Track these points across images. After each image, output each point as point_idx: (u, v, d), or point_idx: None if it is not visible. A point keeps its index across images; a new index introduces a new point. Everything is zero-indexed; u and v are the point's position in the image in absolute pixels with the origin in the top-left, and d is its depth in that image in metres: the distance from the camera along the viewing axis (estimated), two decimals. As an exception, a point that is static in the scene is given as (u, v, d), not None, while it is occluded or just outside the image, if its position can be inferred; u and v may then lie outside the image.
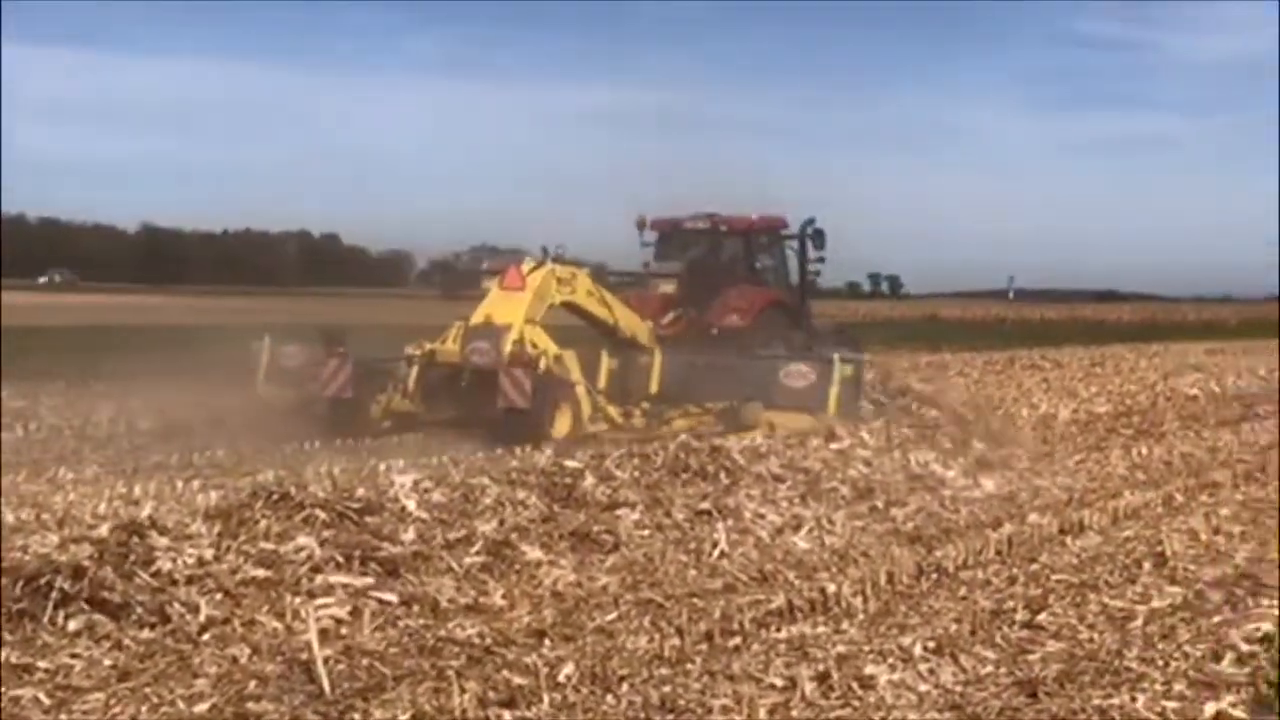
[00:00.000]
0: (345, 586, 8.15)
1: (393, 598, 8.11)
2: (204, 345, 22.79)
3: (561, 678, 6.75)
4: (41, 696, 6.37)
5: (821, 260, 20.89)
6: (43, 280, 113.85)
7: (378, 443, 16.13)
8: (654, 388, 17.78)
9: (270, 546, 8.43)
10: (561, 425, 16.40)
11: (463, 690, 6.36)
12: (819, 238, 20.61)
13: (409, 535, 9.03)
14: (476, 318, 17.04)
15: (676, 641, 7.39)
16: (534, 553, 9.27)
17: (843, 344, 19.70)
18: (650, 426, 16.89)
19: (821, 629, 7.91)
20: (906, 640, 7.60)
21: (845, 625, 8.02)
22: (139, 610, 7.48)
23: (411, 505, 9.53)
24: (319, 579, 8.18)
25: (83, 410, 18.67)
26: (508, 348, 16.36)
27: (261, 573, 8.12)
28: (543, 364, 16.51)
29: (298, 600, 7.83)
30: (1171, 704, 6.54)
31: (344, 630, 7.59)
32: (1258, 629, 7.98)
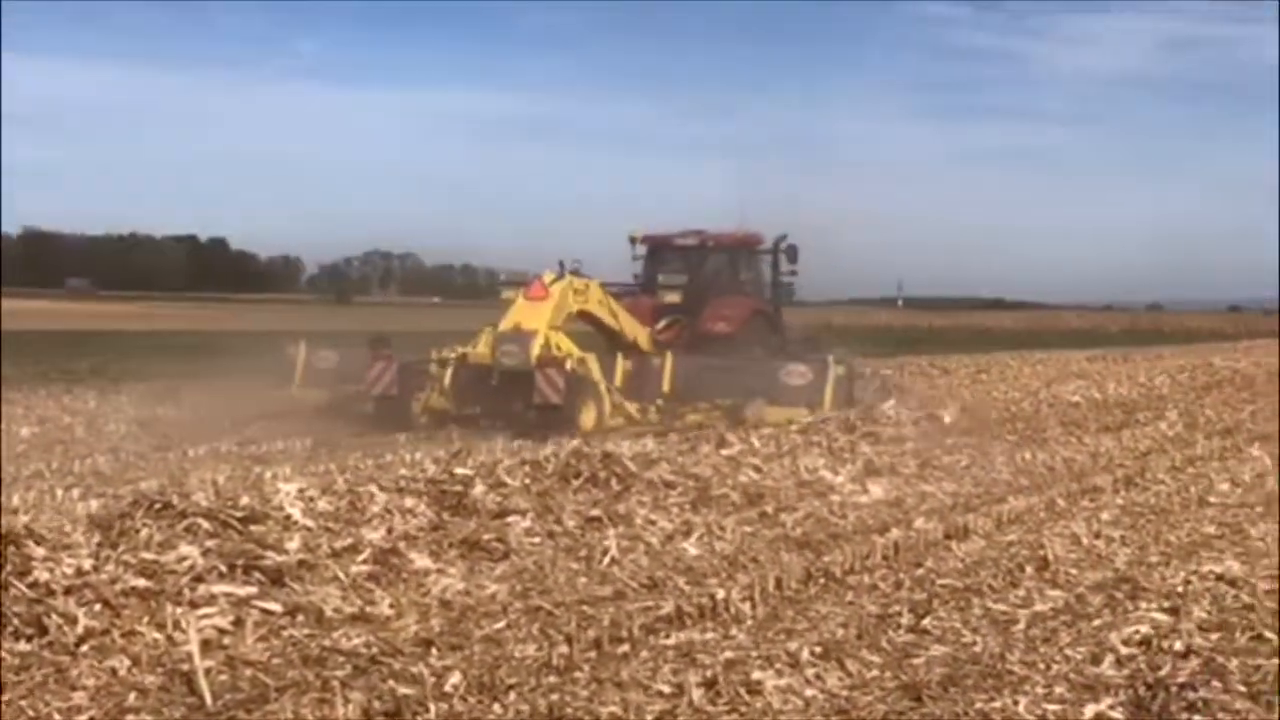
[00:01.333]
0: (228, 596, 8.01)
1: (277, 607, 7.99)
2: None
3: (448, 687, 6.69)
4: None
5: (794, 273, 23.03)
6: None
7: (262, 450, 16.00)
8: (666, 387, 19.33)
9: (151, 556, 8.26)
10: (587, 419, 18.08)
11: (347, 701, 6.29)
12: (791, 252, 22.68)
13: (294, 544, 8.90)
14: (505, 324, 18.83)
15: (565, 649, 7.36)
16: (422, 561, 9.20)
17: (812, 347, 22.05)
18: (664, 421, 18.57)
19: (710, 635, 7.93)
20: (794, 645, 7.64)
21: (734, 631, 8.05)
22: (15, 622, 7.30)
23: (297, 513, 9.40)
24: (201, 589, 8.03)
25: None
26: (535, 351, 18.25)
27: (142, 583, 7.94)
28: (568, 365, 18.32)
29: (179, 610, 7.68)
30: (1052, 707, 6.64)
31: (226, 641, 7.46)
32: (1136, 632, 8.14)
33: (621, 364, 19.42)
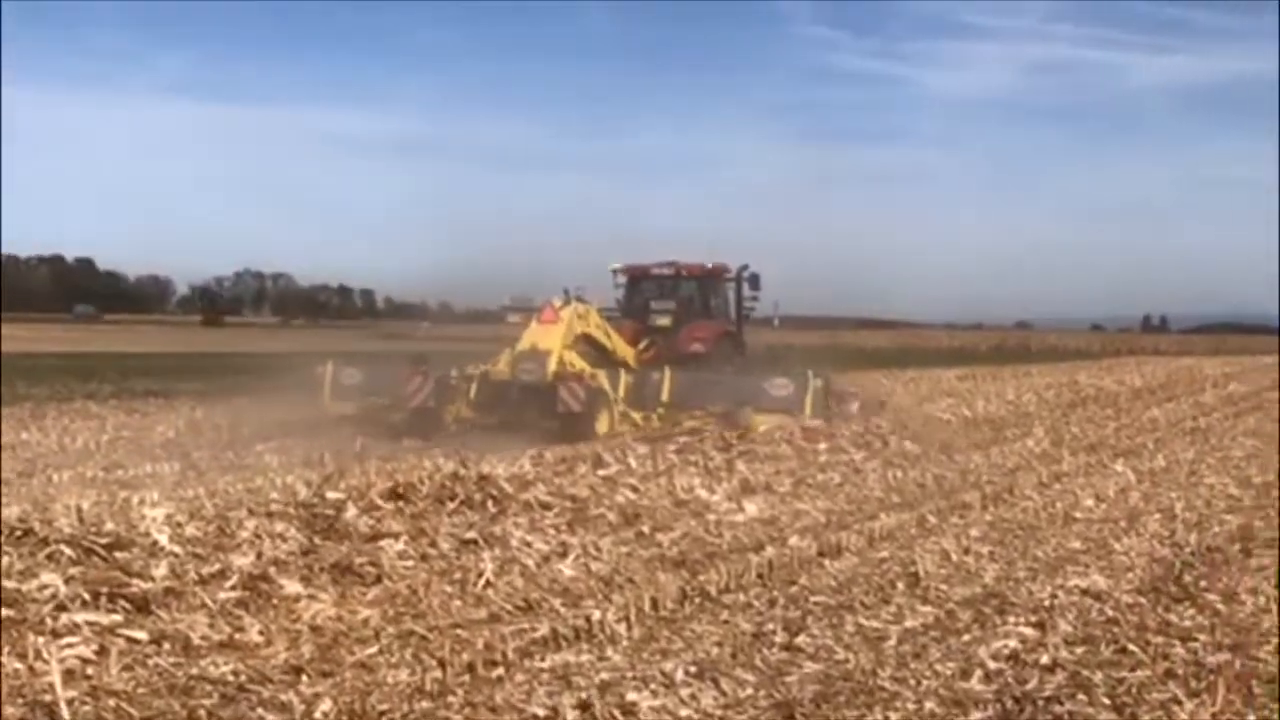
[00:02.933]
0: (92, 625, 7.80)
1: (143, 635, 7.79)
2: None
3: (319, 714, 6.61)
4: None
5: (755, 299, 25.45)
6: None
7: (129, 475, 15.73)
8: (665, 397, 21.71)
9: (12, 585, 8.01)
10: (602, 425, 20.56)
11: (213, 731, 6.15)
12: (754, 280, 25.22)
13: (161, 570, 8.69)
14: (522, 345, 21.38)
15: (438, 674, 7.30)
16: (293, 586, 9.03)
17: (772, 362, 25.42)
18: (665, 426, 20.81)
19: (586, 657, 7.91)
20: (669, 665, 7.66)
21: (609, 652, 8.04)
22: None
23: (164, 539, 9.19)
24: (64, 617, 7.80)
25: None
26: (551, 367, 20.82)
27: (3, 612, 7.71)
28: (586, 379, 20.94)
29: (41, 640, 7.45)
30: (922, 723, 6.72)
31: (90, 670, 7.25)
32: (1004, 646, 8.29)
33: (624, 378, 21.81)
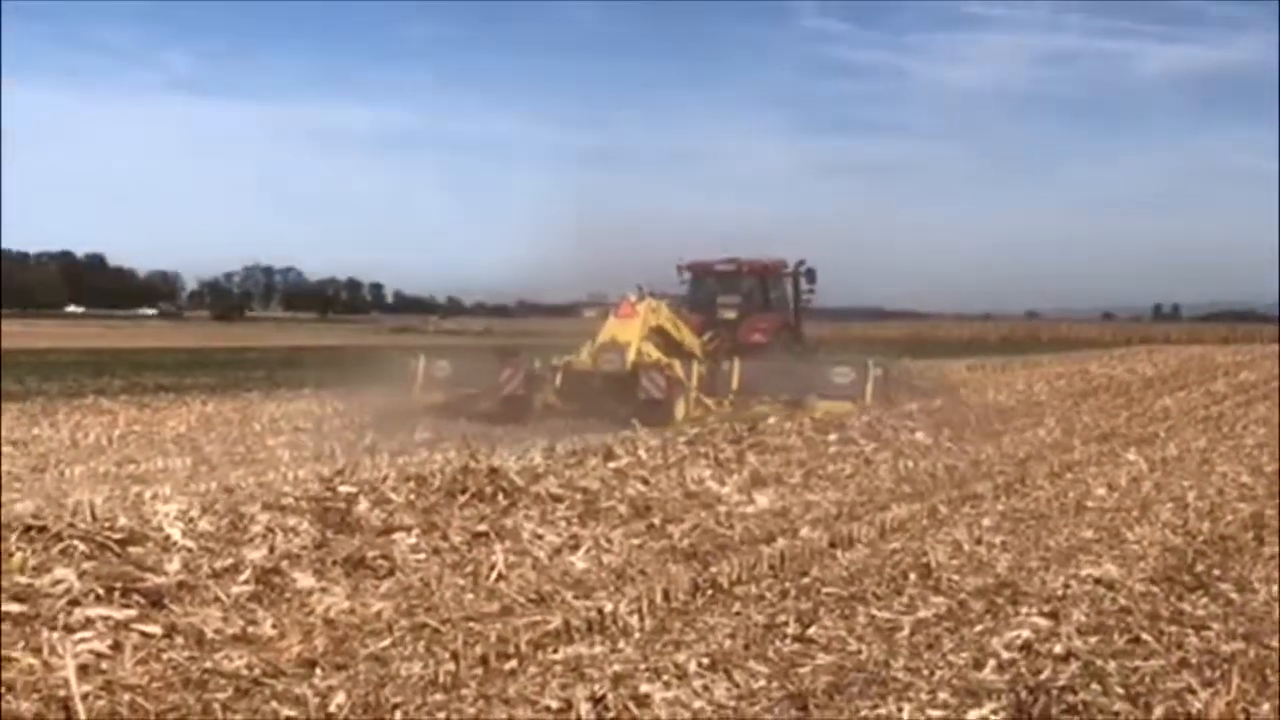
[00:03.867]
0: (106, 619, 7.81)
1: (156, 630, 7.81)
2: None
3: (333, 707, 6.61)
4: None
5: (812, 292, 27.30)
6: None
7: (141, 470, 15.83)
8: (735, 385, 23.15)
9: (25, 580, 8.04)
10: (679, 411, 22.02)
11: (228, 724, 6.17)
12: (810, 275, 26.99)
13: (174, 565, 8.71)
14: (603, 337, 23.07)
15: (451, 666, 7.31)
16: (306, 580, 9.05)
17: (828, 353, 27.50)
18: (737, 411, 21.98)
19: (598, 649, 7.91)
20: (681, 657, 7.67)
21: (622, 644, 8.04)
22: (-120, 651, 7.08)
23: (176, 534, 9.21)
24: (78, 612, 7.81)
25: None
26: (630, 358, 22.53)
27: (16, 608, 7.71)
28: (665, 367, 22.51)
29: (55, 635, 7.47)
30: (935, 713, 6.73)
31: (104, 665, 7.26)
32: (1017, 636, 8.28)
33: (696, 367, 23.36)
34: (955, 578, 10.10)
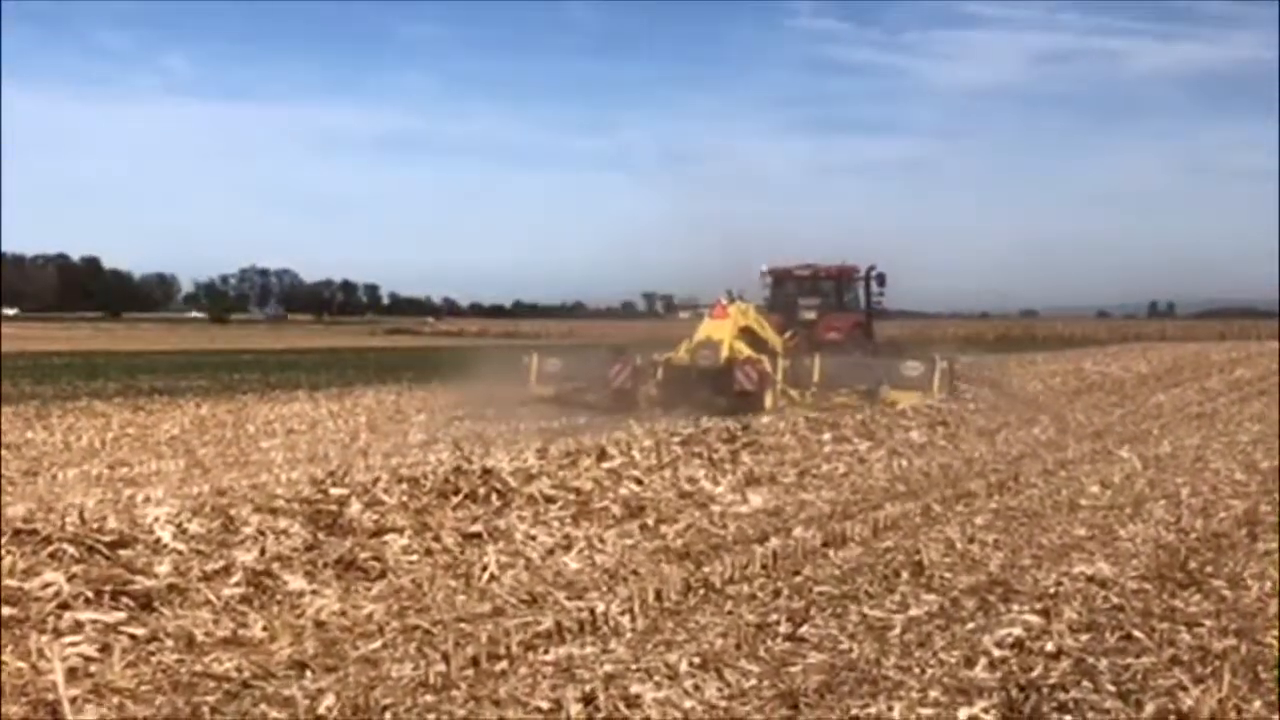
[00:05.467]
0: (95, 623, 7.81)
1: (146, 633, 7.80)
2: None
3: (322, 709, 6.59)
4: None
5: (882, 294, 29.80)
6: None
7: (134, 472, 15.83)
8: (816, 377, 25.47)
9: (15, 584, 8.02)
10: (768, 401, 24.29)
11: (217, 727, 6.15)
12: (881, 279, 29.36)
13: (164, 568, 8.69)
14: (698, 336, 25.56)
15: (442, 667, 7.28)
16: (297, 582, 9.03)
17: (896, 349, 29.63)
18: (818, 401, 24.37)
19: (590, 649, 7.89)
20: (673, 657, 7.65)
21: (613, 644, 8.01)
22: None
23: (167, 537, 9.19)
24: (67, 616, 7.81)
25: None
26: (724, 354, 24.97)
27: (6, 611, 7.71)
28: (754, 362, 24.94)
29: (44, 639, 7.47)
30: (926, 711, 6.70)
31: (94, 668, 7.26)
32: (1009, 634, 8.26)
33: (782, 362, 25.78)
34: (948, 576, 10.09)
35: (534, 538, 10.95)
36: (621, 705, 6.72)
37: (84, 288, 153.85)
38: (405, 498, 11.28)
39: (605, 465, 13.82)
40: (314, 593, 8.91)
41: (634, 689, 6.97)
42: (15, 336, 78.68)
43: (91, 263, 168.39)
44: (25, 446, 18.95)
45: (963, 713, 6.65)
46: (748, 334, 26.21)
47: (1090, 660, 7.71)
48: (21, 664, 7.18)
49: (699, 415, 20.27)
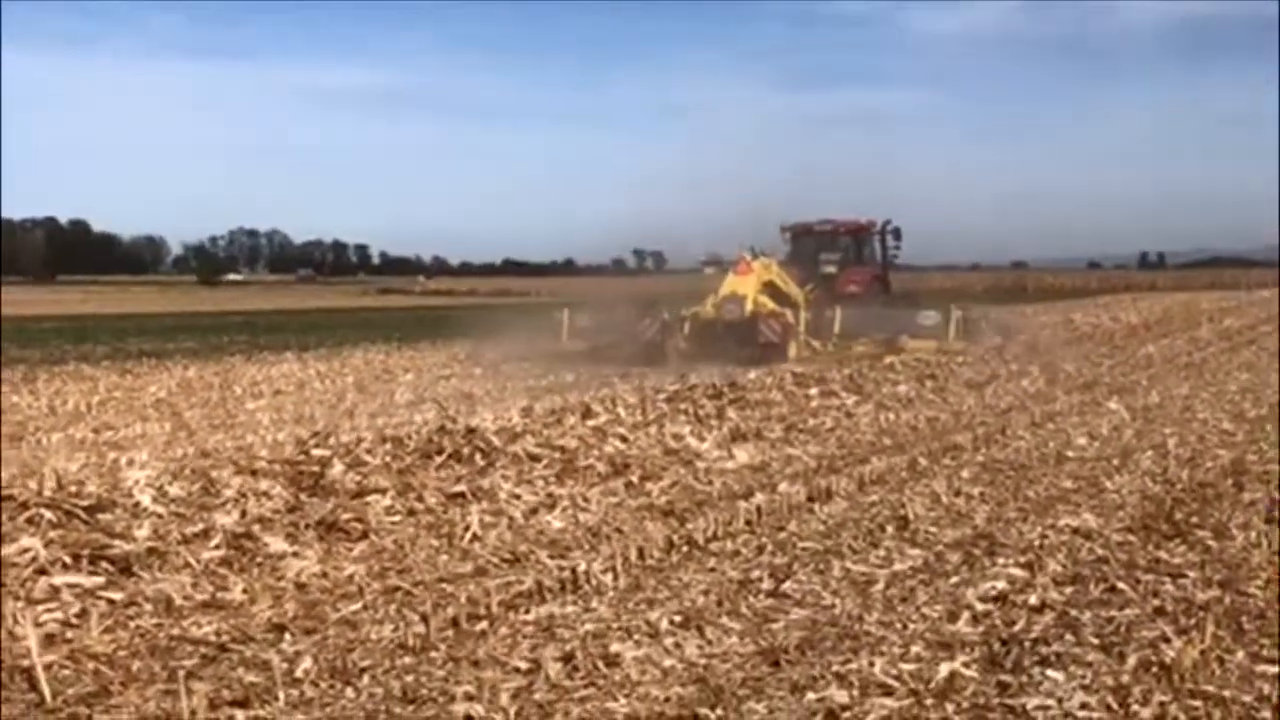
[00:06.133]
0: (73, 588, 7.75)
1: (124, 597, 7.75)
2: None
3: (299, 672, 6.54)
4: None
5: (898, 248, 31.37)
6: None
7: (118, 436, 15.80)
8: (837, 329, 26.82)
9: (-10, 551, 7.97)
10: (791, 352, 25.54)
11: (190, 692, 6.10)
12: (896, 233, 30.94)
13: (143, 531, 8.63)
14: (724, 291, 26.70)
15: (421, 629, 7.24)
16: (278, 544, 8.97)
17: (912, 301, 30.57)
18: (839, 351, 25.76)
19: (571, 608, 7.84)
20: (654, 615, 7.61)
21: (595, 603, 7.97)
22: None
23: (146, 500, 9.12)
24: (44, 581, 7.76)
25: None
26: (749, 307, 26.29)
27: (-20, 578, 7.67)
28: (776, 314, 26.28)
29: (19, 605, 7.42)
30: (908, 666, 6.66)
31: (70, 634, 7.20)
32: (993, 588, 8.23)
33: (803, 315, 26.94)
34: (933, 530, 10.05)
35: (518, 497, 10.88)
36: (601, 664, 6.68)
37: (72, 251, 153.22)
38: (388, 458, 11.24)
39: (590, 423, 13.78)
40: (295, 555, 8.85)
41: (614, 648, 6.93)
42: (3, 301, 78.42)
43: (80, 225, 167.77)
44: (10, 412, 18.87)
45: (944, 667, 6.60)
46: (770, 288, 27.39)
47: (1073, 613, 7.68)
48: (-3, 631, 7.13)
49: (725, 366, 21.54)
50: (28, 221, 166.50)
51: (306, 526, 9.39)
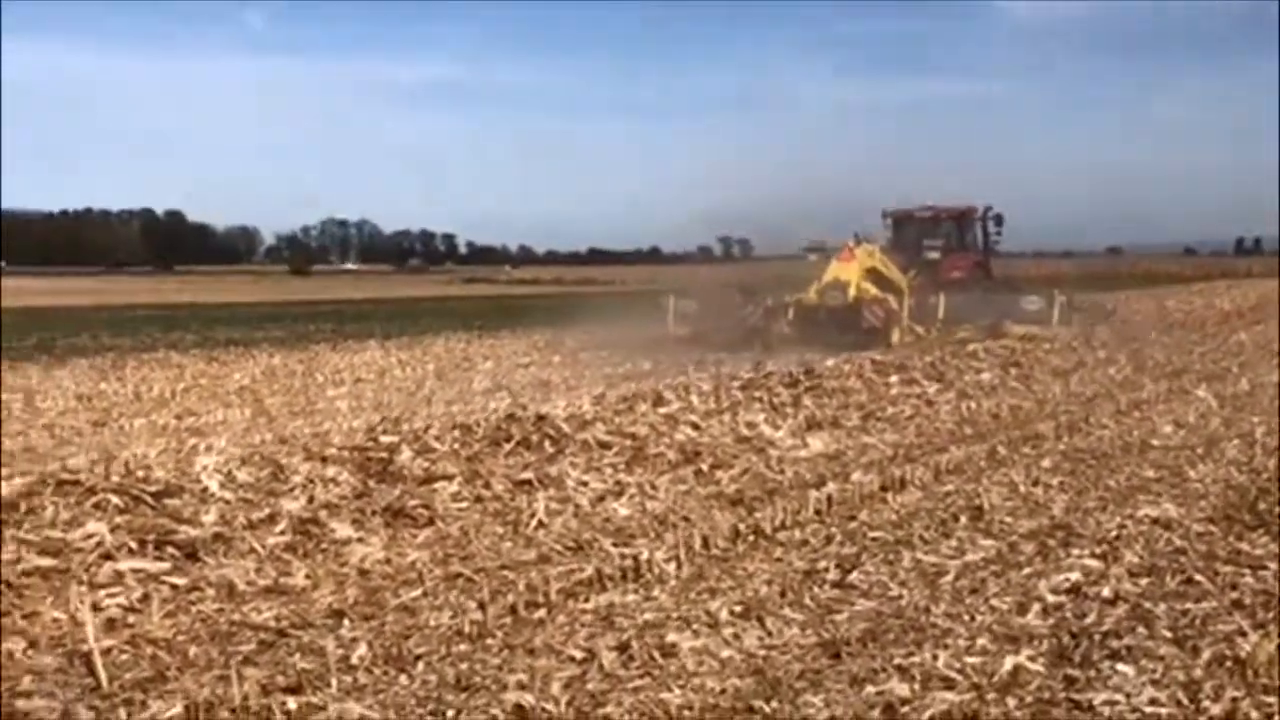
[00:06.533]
0: (137, 573, 7.80)
1: (187, 583, 7.78)
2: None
3: (354, 659, 6.52)
4: None
5: (999, 234, 31.23)
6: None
7: (200, 422, 15.96)
8: (941, 314, 26.86)
9: (57, 534, 8.04)
10: (894, 337, 25.53)
11: (243, 678, 6.08)
12: (998, 219, 30.92)
13: (210, 517, 8.67)
14: (827, 278, 26.73)
15: (479, 616, 7.19)
16: (343, 530, 8.97)
17: (1013, 286, 30.47)
18: (943, 337, 25.49)
19: (631, 597, 7.76)
20: (714, 605, 7.50)
21: (656, 592, 7.87)
22: (-91, 607, 7.09)
23: (214, 486, 9.17)
24: (108, 566, 7.81)
25: None
26: (852, 293, 26.27)
27: (46, 562, 7.73)
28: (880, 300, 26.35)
29: (83, 590, 7.47)
30: (972, 659, 6.50)
31: (132, 619, 7.24)
32: (1065, 580, 8.03)
33: (906, 300, 26.84)
34: (1008, 520, 9.84)
35: (585, 484, 10.82)
36: (657, 654, 6.59)
37: (168, 242, 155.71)
38: (457, 445, 11.21)
39: (662, 410, 13.68)
40: (359, 541, 8.85)
41: (671, 638, 6.84)
42: (99, 290, 79.90)
43: (175, 217, 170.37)
44: (97, 398, 19.15)
45: (1009, 660, 6.44)
46: (873, 274, 27.35)
47: (1147, 605, 7.47)
48: (60, 615, 7.18)
49: (828, 352, 21.16)
50: (125, 213, 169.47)
51: (373, 513, 9.38)
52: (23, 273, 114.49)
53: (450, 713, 5.81)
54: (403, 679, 6.32)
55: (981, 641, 6.85)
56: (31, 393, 19.75)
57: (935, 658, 6.55)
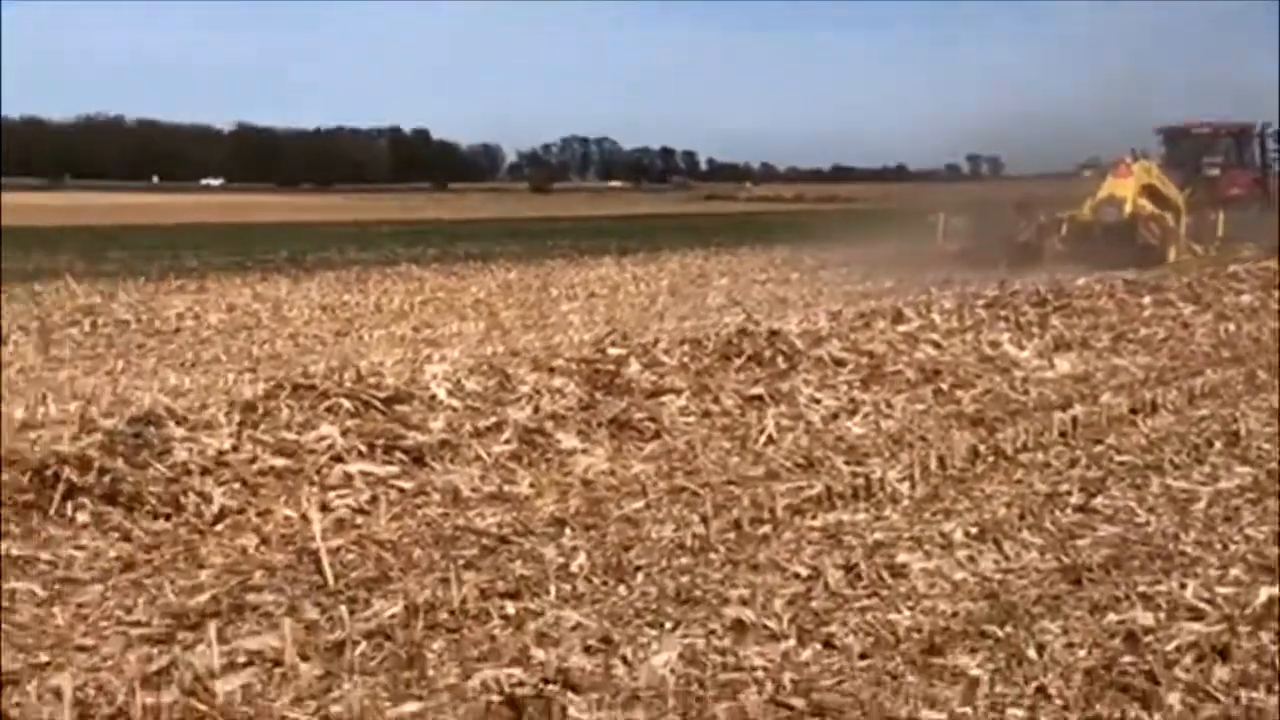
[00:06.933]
0: (366, 475, 7.87)
1: (413, 486, 7.81)
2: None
3: (574, 568, 6.41)
4: (37, 589, 6.14)
5: (1278, 152, 31.12)
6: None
7: (436, 334, 16.23)
8: (1220, 232, 26.73)
9: (292, 436, 8.16)
10: (1170, 255, 25.04)
11: (462, 582, 6.03)
12: (1278, 136, 30.74)
13: (438, 424, 8.67)
14: (1101, 194, 26.34)
15: (701, 530, 7.00)
16: (569, 441, 8.90)
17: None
18: (1222, 256, 24.79)
19: (861, 516, 7.46)
20: (949, 526, 7.17)
21: (887, 511, 7.56)
22: (151, 501, 7.28)
23: (442, 393, 9.19)
24: (339, 469, 7.90)
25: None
26: (1128, 210, 25.82)
27: (280, 462, 7.86)
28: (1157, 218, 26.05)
29: (313, 490, 7.56)
30: (1224, 590, 6.04)
31: (359, 520, 7.30)
32: (1329, 509, 7.45)
33: (1184, 218, 26.52)
34: (1266, 447, 9.20)
35: (818, 401, 10.54)
36: (886, 574, 6.30)
37: (415, 159, 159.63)
38: (686, 359, 11.05)
39: (901, 328, 13.27)
40: (584, 451, 8.77)
41: (901, 558, 6.54)
42: (348, 206, 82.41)
43: (421, 135, 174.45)
44: (340, 309, 19.69)
45: (1264, 592, 5.95)
46: (1150, 191, 26.89)
47: None
48: (291, 513, 7.29)
49: (1102, 270, 20.58)
50: (374, 130, 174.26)
51: (598, 425, 9.28)
52: (271, 190, 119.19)
53: (668, 624, 5.65)
54: (621, 589, 6.17)
55: (1234, 572, 6.38)
56: (280, 303, 20.42)
57: (1183, 587, 6.11)
